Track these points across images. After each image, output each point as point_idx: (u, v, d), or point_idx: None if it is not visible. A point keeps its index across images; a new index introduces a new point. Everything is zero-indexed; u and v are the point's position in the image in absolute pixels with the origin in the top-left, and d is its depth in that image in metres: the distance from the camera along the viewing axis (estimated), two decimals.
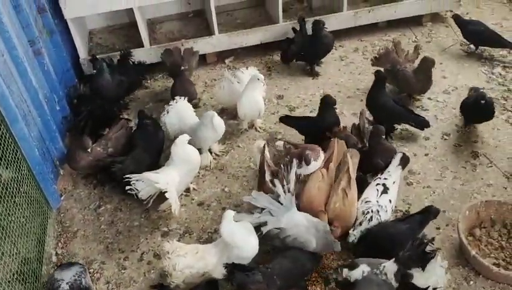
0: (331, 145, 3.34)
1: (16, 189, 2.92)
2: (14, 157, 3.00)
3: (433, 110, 4.23)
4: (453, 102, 4.29)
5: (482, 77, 4.53)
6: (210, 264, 2.82)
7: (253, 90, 3.94)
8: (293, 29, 4.78)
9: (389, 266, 2.63)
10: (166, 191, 3.20)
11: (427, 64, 4.11)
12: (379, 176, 3.28)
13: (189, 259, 2.82)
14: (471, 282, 2.96)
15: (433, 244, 2.70)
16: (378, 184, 3.20)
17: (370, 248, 2.93)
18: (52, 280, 2.82)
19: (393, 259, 2.64)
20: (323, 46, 4.65)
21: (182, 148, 3.40)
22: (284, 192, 2.89)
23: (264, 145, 3.38)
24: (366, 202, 3.11)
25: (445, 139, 3.94)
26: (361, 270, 2.65)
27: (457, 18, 4.83)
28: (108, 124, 3.95)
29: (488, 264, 2.89)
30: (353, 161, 3.29)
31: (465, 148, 3.84)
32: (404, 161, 3.36)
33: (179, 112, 3.86)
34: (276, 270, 2.75)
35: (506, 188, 3.49)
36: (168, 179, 3.28)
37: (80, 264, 3.00)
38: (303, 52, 4.69)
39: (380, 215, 3.03)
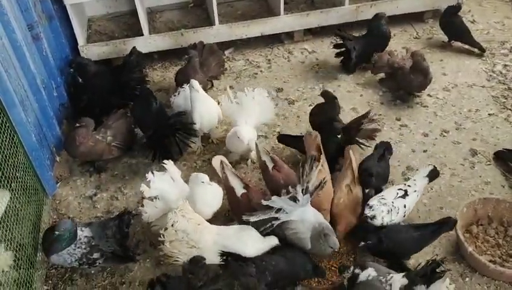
0: (307, 138, 3.36)
1: (12, 174, 2.89)
2: (11, 142, 2.96)
3: (432, 107, 4.22)
4: (453, 99, 4.29)
5: (482, 75, 4.53)
6: (203, 242, 2.79)
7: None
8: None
9: (397, 279, 2.59)
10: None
11: (417, 59, 4.10)
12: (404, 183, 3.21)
13: (189, 225, 2.81)
14: (467, 278, 2.96)
15: (443, 264, 2.63)
16: (400, 189, 3.10)
17: (377, 248, 2.90)
18: (77, 244, 2.86)
19: (404, 273, 2.61)
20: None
21: (196, 188, 3.12)
22: (302, 191, 2.80)
23: (256, 143, 3.36)
24: (381, 198, 3.03)
25: (444, 136, 3.94)
26: (368, 273, 2.60)
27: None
28: (108, 112, 3.91)
29: (484, 261, 2.89)
30: (356, 156, 3.27)
31: (463, 145, 3.84)
32: (433, 174, 3.23)
33: (187, 97, 3.84)
34: (270, 267, 2.72)
35: (504, 186, 3.50)
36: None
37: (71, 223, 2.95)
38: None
39: (391, 215, 2.97)
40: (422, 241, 2.94)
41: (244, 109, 3.68)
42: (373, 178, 3.17)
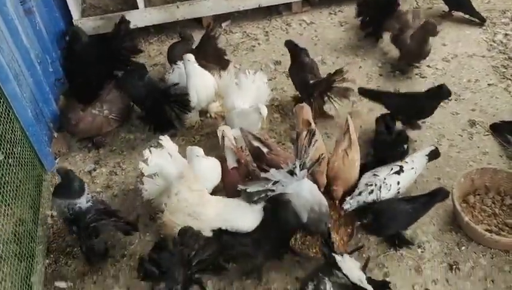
0: (297, 109, 3.41)
1: (9, 150, 2.89)
2: (7, 118, 2.95)
3: (431, 77, 4.19)
4: (452, 70, 4.25)
5: (482, 45, 4.47)
6: (204, 214, 2.82)
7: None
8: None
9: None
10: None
11: (427, 29, 3.99)
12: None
13: (192, 195, 2.82)
14: (463, 247, 3.00)
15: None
16: (396, 165, 3.10)
17: (371, 223, 2.91)
18: (69, 205, 2.89)
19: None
20: None
21: (192, 162, 3.08)
22: (300, 166, 2.82)
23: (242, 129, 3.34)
24: (374, 175, 3.06)
25: (443, 107, 3.90)
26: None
27: None
28: (103, 85, 3.87)
29: (480, 230, 2.92)
30: (355, 122, 3.27)
31: (462, 116, 3.82)
32: (434, 155, 3.23)
33: (182, 74, 3.81)
34: (263, 236, 2.76)
35: (501, 156, 3.50)
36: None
37: (82, 183, 3.02)
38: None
39: (380, 191, 2.98)
40: (415, 213, 2.95)
41: (243, 91, 3.62)
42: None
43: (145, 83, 3.73)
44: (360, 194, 2.99)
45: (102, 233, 2.93)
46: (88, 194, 3.00)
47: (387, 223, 2.90)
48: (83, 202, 2.91)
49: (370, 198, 2.98)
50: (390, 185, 3.00)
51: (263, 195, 2.81)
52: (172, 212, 2.81)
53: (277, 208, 2.83)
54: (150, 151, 3.12)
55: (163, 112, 3.64)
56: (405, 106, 3.59)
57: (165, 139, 3.24)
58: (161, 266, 2.49)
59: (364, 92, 3.78)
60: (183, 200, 2.79)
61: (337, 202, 3.10)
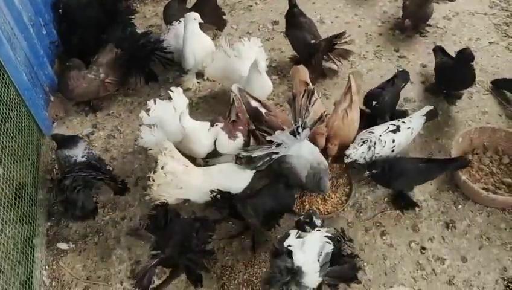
0: (294, 71, 3.41)
1: (5, 114, 2.87)
2: (2, 82, 2.92)
3: (432, 36, 4.11)
4: (453, 28, 4.18)
5: (484, 2, 4.38)
6: (192, 182, 2.81)
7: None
8: None
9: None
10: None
11: None
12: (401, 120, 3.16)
13: (178, 167, 2.80)
14: (460, 206, 3.03)
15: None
16: (392, 124, 3.08)
17: (383, 176, 2.93)
18: (66, 158, 2.97)
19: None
20: None
21: (183, 123, 2.96)
22: (302, 126, 2.81)
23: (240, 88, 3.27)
24: (369, 132, 3.06)
25: None
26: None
27: None
28: (97, 50, 3.80)
29: (477, 189, 2.94)
30: (356, 82, 3.24)
31: None
32: (431, 115, 3.20)
33: (177, 35, 3.73)
34: (260, 204, 2.77)
35: (500, 116, 3.49)
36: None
37: (80, 138, 3.15)
38: None
39: (375, 147, 2.98)
40: (427, 174, 2.95)
41: (244, 60, 3.47)
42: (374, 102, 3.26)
43: (128, 35, 3.78)
44: (356, 148, 2.99)
45: (88, 188, 2.88)
46: (85, 150, 3.01)
47: (398, 178, 2.90)
48: (78, 155, 2.93)
49: (368, 154, 2.98)
50: (385, 142, 3.00)
51: (267, 159, 2.81)
52: (159, 187, 2.76)
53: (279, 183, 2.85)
54: (155, 102, 3.08)
55: (143, 64, 3.69)
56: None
57: (176, 91, 3.14)
58: (166, 225, 2.53)
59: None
60: (170, 172, 2.75)
61: (330, 159, 3.09)
